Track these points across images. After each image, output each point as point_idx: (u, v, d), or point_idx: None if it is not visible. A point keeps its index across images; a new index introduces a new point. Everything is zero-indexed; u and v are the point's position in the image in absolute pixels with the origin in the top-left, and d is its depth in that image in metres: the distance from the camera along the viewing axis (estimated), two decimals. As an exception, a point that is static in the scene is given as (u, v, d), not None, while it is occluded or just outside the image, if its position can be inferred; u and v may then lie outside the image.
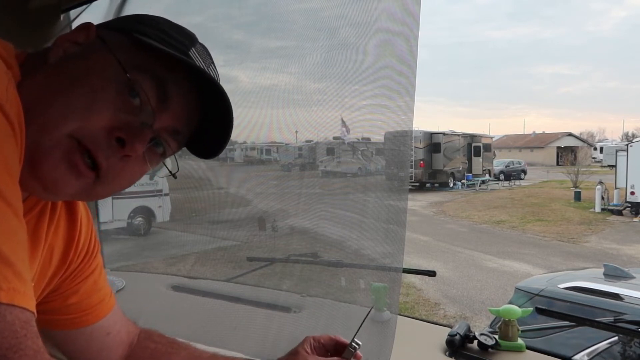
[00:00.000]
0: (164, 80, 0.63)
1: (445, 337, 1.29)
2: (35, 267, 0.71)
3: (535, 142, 56.17)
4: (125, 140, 0.60)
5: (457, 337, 1.27)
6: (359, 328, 0.90)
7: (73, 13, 1.60)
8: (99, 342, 0.86)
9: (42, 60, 0.63)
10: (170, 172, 0.71)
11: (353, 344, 0.87)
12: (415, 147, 21.29)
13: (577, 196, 18.89)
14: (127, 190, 0.72)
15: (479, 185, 25.06)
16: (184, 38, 0.68)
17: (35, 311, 0.48)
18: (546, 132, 61.71)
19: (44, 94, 0.59)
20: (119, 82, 0.60)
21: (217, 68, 0.74)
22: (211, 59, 0.72)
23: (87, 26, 0.66)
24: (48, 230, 0.73)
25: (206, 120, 0.70)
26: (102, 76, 0.60)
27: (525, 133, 66.83)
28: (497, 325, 1.36)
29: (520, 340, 1.31)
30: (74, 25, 1.60)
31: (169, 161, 0.70)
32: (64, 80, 0.60)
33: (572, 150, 39.55)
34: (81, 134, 0.58)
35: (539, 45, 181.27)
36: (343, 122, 1.31)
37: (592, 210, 16.62)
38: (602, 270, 3.51)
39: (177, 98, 0.65)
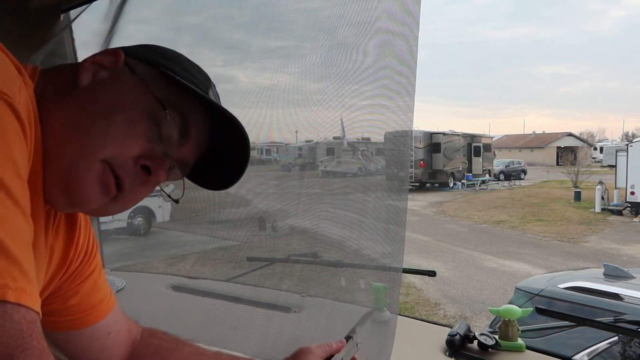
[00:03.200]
0: (187, 116, 0.68)
1: (445, 337, 1.29)
2: (37, 270, 0.71)
3: (535, 142, 56.17)
4: (151, 169, 0.65)
5: (457, 337, 1.27)
6: (357, 324, 0.92)
7: (73, 13, 1.60)
8: (100, 342, 0.86)
9: (72, 82, 0.65)
10: (170, 197, 0.76)
11: (352, 336, 0.89)
12: (415, 147, 21.28)
13: (577, 196, 18.89)
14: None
15: (479, 185, 25.05)
16: (204, 78, 0.73)
17: (40, 311, 0.48)
18: (546, 132, 61.78)
19: (81, 118, 0.62)
20: (152, 114, 0.64)
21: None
22: (219, 98, 0.77)
23: (115, 52, 0.68)
24: (49, 232, 0.73)
25: (218, 154, 0.74)
26: (137, 107, 0.64)
27: (525, 133, 66.87)
28: (497, 325, 1.36)
29: (520, 340, 1.31)
30: (74, 25, 1.60)
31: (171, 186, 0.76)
32: (100, 108, 0.63)
33: (572, 150, 39.55)
34: (114, 161, 0.63)
35: (538, 45, 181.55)
36: (342, 124, 1.31)
37: (592, 210, 16.62)
38: (602, 270, 3.51)
39: (194, 133, 0.70)
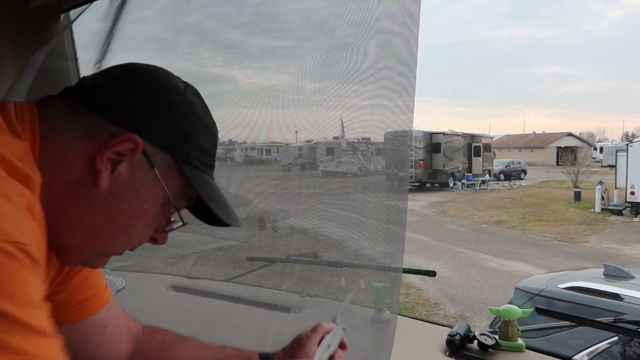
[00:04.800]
0: (194, 194, 0.72)
1: (445, 337, 1.29)
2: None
3: (535, 142, 56.20)
4: (157, 239, 0.74)
5: (457, 337, 1.27)
6: (339, 310, 0.94)
7: (73, 13, 1.60)
8: (96, 336, 0.85)
9: (88, 176, 0.62)
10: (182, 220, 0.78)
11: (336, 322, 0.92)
12: (415, 147, 21.27)
13: (577, 196, 18.89)
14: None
15: (479, 185, 25.05)
16: (213, 144, 0.73)
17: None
18: (546, 132, 61.85)
19: (109, 227, 0.66)
20: (167, 205, 0.70)
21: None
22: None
23: (133, 140, 0.63)
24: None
25: None
26: (155, 206, 0.68)
27: (525, 133, 66.89)
28: (497, 325, 1.37)
29: (520, 340, 1.31)
30: (74, 25, 1.60)
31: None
32: (125, 218, 0.67)
33: (572, 150, 39.49)
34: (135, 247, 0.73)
35: (537, 45, 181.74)
36: (342, 124, 1.31)
37: (592, 210, 16.62)
38: (602, 270, 3.51)
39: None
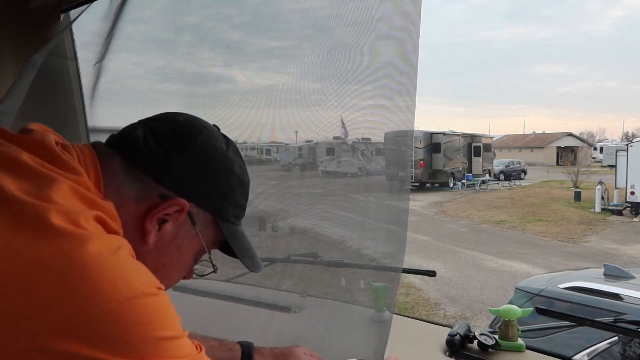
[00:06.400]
0: (224, 240, 0.77)
1: (445, 337, 1.29)
2: None
3: (535, 142, 56.23)
4: (186, 276, 0.78)
5: (457, 337, 1.27)
6: None
7: (73, 13, 1.59)
8: None
9: (138, 232, 0.67)
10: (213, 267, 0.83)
11: None
12: (415, 147, 21.28)
13: (577, 196, 18.89)
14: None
15: (479, 185, 25.06)
16: (246, 197, 0.78)
17: None
18: (546, 132, 61.85)
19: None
20: (200, 252, 0.76)
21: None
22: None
23: (183, 205, 0.68)
24: None
25: None
26: (191, 257, 0.76)
27: (525, 133, 66.91)
28: (497, 325, 1.37)
29: (520, 340, 1.31)
30: (74, 25, 1.60)
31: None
32: (165, 268, 0.71)
33: (572, 150, 39.48)
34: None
35: (536, 45, 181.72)
36: (343, 124, 1.31)
37: (592, 210, 16.62)
38: (602, 270, 3.52)
39: None
